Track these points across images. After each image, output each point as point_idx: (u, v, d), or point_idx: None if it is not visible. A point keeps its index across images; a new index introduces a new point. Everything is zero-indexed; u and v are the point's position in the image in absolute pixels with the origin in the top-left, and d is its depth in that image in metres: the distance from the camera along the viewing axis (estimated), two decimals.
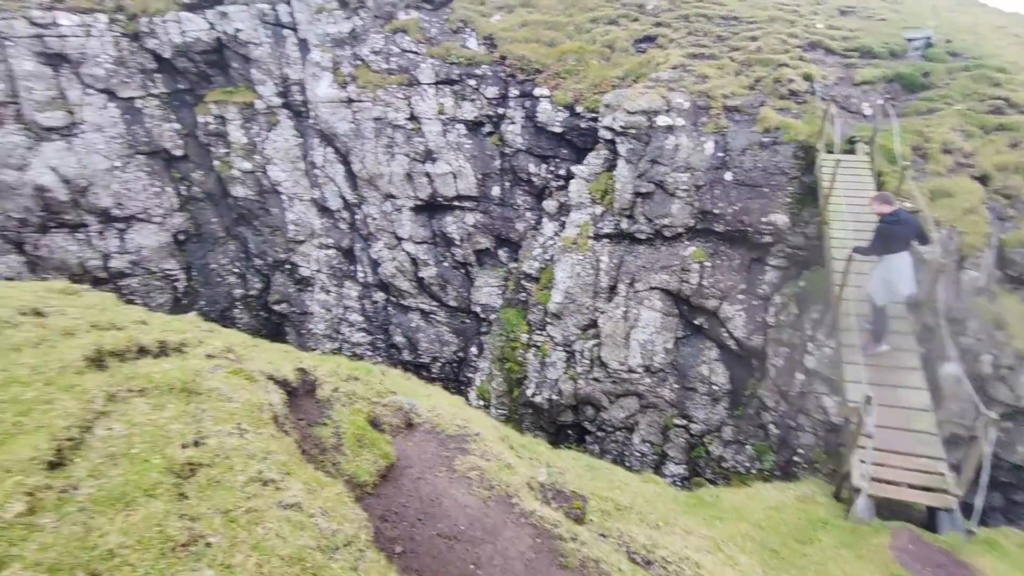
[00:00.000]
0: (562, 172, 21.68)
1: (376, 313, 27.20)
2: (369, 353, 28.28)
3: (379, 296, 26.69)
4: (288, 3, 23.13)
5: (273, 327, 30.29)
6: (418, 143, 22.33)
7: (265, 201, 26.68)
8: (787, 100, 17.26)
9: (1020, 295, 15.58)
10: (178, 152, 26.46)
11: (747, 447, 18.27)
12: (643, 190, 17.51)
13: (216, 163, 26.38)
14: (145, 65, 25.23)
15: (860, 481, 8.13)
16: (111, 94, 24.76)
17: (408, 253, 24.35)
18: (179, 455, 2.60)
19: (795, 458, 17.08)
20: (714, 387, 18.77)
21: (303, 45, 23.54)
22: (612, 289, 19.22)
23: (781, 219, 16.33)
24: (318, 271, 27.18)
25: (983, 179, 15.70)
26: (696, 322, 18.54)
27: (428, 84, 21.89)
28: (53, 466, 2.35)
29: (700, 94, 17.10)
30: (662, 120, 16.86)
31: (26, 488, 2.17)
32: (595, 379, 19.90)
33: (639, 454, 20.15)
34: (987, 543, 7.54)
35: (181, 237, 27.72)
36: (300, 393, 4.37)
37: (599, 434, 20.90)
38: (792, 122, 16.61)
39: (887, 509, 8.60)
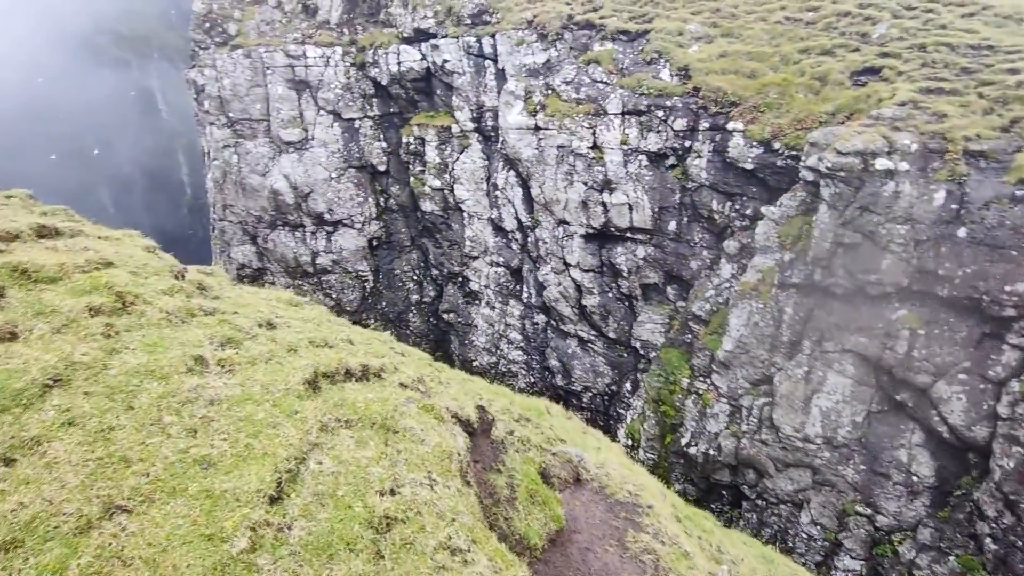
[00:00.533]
0: (748, 212, 20.13)
1: (535, 334, 27.64)
2: (523, 372, 28.82)
3: (540, 318, 27.09)
4: (492, 36, 24.76)
5: (440, 334, 32.37)
6: (597, 172, 22.34)
7: (448, 217, 28.70)
8: None
9: None
10: (382, 168, 29.70)
11: (951, 558, 15.12)
12: (847, 240, 15.47)
13: (411, 179, 29.06)
14: (366, 91, 28.80)
15: None
16: (337, 115, 28.64)
17: (574, 279, 24.38)
18: (377, 505, 2.67)
19: None
20: (914, 478, 15.84)
21: (500, 75, 25.00)
22: (794, 345, 17.25)
23: None
24: (486, 286, 28.44)
25: None
26: (897, 398, 15.83)
27: (614, 114, 21.84)
28: (273, 500, 2.54)
29: (933, 135, 14.66)
30: (881, 163, 14.75)
31: (250, 523, 2.35)
32: (762, 441, 17.97)
33: (806, 536, 17.71)
34: None
35: (374, 243, 30.96)
36: (478, 432, 4.37)
37: (759, 503, 18.81)
38: None
39: None
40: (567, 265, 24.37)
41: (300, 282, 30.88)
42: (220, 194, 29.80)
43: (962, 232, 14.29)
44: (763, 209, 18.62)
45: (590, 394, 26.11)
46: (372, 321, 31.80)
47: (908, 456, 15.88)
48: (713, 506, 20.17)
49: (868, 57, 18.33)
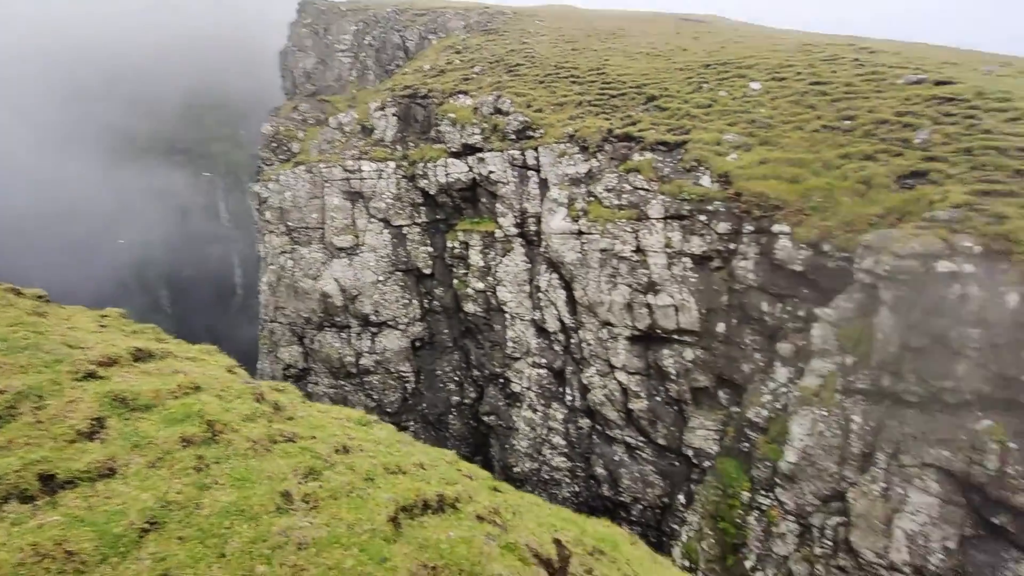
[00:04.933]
0: (800, 313, 19.58)
1: (579, 439, 26.57)
2: (567, 480, 27.42)
3: (584, 423, 26.16)
4: (536, 150, 26.23)
5: (480, 437, 31.51)
6: (641, 274, 22.42)
7: (491, 318, 28.93)
8: None
9: None
10: (427, 271, 30.64)
11: None
12: (914, 344, 14.72)
13: (455, 282, 29.77)
14: (414, 200, 30.45)
15: None
16: (387, 223, 30.16)
17: (620, 382, 23.74)
18: None
19: None
20: None
21: (543, 184, 26.15)
22: (867, 457, 15.95)
23: None
24: (528, 388, 27.93)
25: None
26: (995, 521, 14.18)
27: (656, 219, 22.27)
28: None
29: (996, 237, 14.27)
30: (943, 266, 14.31)
31: None
32: (840, 568, 16.15)
33: None
34: None
35: (417, 344, 31.24)
36: (557, 572, 4.01)
37: None
38: None
39: None
40: (612, 367, 23.85)
41: (343, 382, 31.04)
42: (273, 297, 31.02)
43: None
44: (817, 311, 18.09)
45: (640, 506, 24.44)
46: (412, 423, 31.32)
47: None
48: None
49: (912, 161, 18.46)
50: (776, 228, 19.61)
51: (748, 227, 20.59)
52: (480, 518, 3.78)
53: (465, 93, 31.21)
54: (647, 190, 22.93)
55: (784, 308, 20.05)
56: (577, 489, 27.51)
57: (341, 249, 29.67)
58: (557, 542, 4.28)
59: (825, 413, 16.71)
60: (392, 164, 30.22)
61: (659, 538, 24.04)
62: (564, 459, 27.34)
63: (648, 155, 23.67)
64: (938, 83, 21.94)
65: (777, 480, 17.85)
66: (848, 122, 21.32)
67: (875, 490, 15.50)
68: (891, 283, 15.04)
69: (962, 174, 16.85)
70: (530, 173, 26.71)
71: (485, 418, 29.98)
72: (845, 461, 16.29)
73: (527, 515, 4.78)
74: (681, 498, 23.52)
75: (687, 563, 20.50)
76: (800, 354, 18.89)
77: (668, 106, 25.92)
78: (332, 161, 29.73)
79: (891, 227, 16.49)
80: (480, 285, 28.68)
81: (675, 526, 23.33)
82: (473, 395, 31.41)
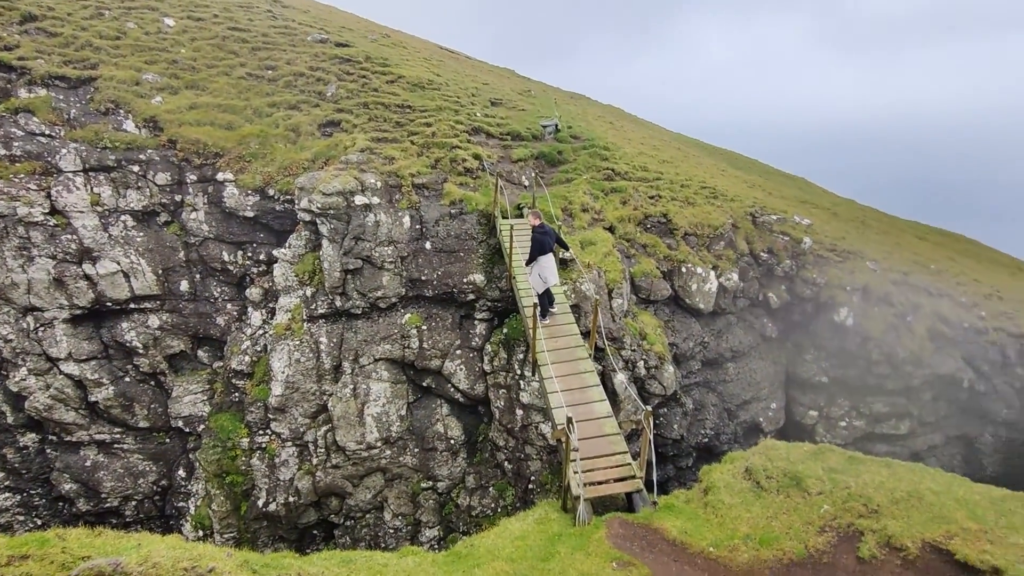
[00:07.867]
0: (262, 257, 20.50)
1: (27, 462, 20.77)
2: (23, 516, 21.28)
3: (29, 439, 20.51)
4: None
5: None
6: (67, 241, 18.45)
7: None
8: (464, 176, 19.87)
9: (650, 311, 20.70)
10: None
11: (490, 489, 19.52)
12: (351, 266, 17.79)
13: None
14: None
15: (577, 489, 9.62)
16: None
17: (70, 376, 19.52)
18: None
19: (530, 486, 18.96)
20: (451, 441, 19.68)
21: None
22: (337, 369, 18.75)
23: (478, 278, 18.47)
24: None
25: (611, 229, 20.60)
26: (424, 384, 19.32)
27: (74, 172, 18.45)
28: None
29: (390, 174, 18.42)
30: (359, 199, 17.56)
31: None
32: (334, 466, 18.89)
33: (392, 530, 19.66)
34: (666, 508, 9.70)
35: None
36: None
37: (347, 523, 19.74)
38: (471, 194, 19.16)
39: (601, 505, 10.32)
40: (53, 361, 19.30)
41: None
42: None
43: (428, 245, 18.50)
44: (275, 252, 19.36)
45: (133, 503, 21.53)
46: None
47: (443, 427, 19.55)
48: (308, 550, 19.95)
49: (328, 112, 21.33)
50: (221, 176, 19.45)
51: (191, 176, 19.65)
52: None
53: None
54: (52, 136, 18.55)
55: (245, 255, 20.51)
56: (41, 522, 21.81)
57: None
58: None
59: (298, 342, 18.49)
60: None
61: (166, 525, 22.01)
62: (9, 495, 21.00)
63: (42, 91, 18.95)
64: (339, 44, 25.67)
65: (270, 416, 18.92)
66: (271, 72, 22.59)
67: (347, 392, 18.52)
68: (325, 218, 17.49)
69: (364, 124, 20.69)
70: None
71: None
72: (322, 377, 18.67)
73: None
74: (181, 473, 21.95)
75: (200, 533, 19.73)
76: (268, 295, 19.97)
77: (59, 31, 21.09)
78: None
79: (320, 169, 18.91)
80: None
81: (181, 504, 21.77)
82: None
